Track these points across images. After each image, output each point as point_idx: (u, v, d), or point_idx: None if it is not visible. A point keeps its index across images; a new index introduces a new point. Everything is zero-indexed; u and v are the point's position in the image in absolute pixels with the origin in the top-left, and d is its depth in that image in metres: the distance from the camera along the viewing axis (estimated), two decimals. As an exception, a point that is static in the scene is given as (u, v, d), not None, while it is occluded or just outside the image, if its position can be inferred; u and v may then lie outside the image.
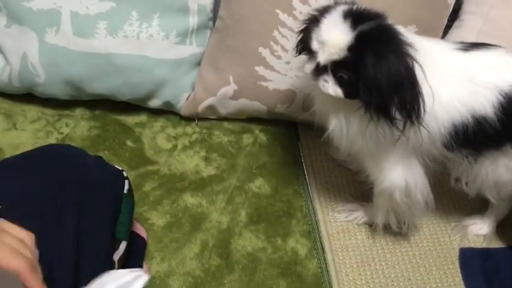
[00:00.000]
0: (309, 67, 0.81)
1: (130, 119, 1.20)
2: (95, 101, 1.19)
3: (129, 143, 1.16)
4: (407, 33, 0.81)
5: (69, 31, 1.07)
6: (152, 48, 1.10)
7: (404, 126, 0.77)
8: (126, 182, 0.84)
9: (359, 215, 1.06)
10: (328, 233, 1.04)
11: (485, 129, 0.82)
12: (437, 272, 1.00)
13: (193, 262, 0.98)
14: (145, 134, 1.18)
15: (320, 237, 1.04)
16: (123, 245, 0.82)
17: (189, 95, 1.18)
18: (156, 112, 1.22)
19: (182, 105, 1.19)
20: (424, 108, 0.77)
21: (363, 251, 1.02)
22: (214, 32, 1.15)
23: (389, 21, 0.80)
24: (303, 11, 1.05)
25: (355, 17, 0.76)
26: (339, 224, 1.06)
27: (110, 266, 0.78)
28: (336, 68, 0.78)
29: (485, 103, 0.81)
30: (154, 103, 1.18)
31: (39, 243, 0.63)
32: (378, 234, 1.04)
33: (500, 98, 0.81)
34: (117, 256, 0.81)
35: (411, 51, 0.76)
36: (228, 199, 1.08)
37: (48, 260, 0.64)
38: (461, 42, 0.88)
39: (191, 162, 1.14)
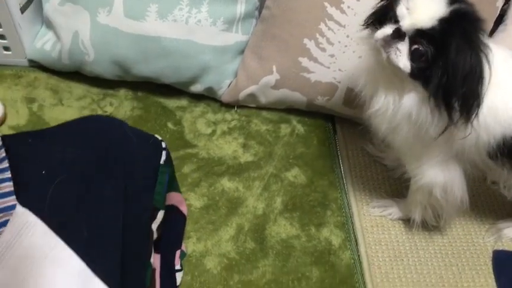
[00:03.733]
0: (383, 33, 0.77)
1: (171, 103, 1.23)
2: (138, 83, 1.22)
3: (169, 125, 1.18)
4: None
5: (120, 12, 1.09)
6: (199, 34, 1.12)
7: (459, 118, 0.76)
8: (164, 152, 0.84)
9: (393, 211, 1.07)
10: (362, 226, 1.05)
11: None
12: (470, 271, 1.00)
13: (229, 244, 1.00)
14: (185, 117, 1.20)
15: (354, 230, 1.05)
16: (160, 214, 0.83)
17: (231, 82, 1.20)
18: (197, 97, 1.24)
19: (223, 91, 1.21)
20: (479, 110, 0.76)
21: (396, 246, 1.03)
22: (260, 21, 1.16)
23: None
24: (351, 5, 1.06)
25: None
26: (373, 218, 1.07)
27: (148, 234, 0.80)
28: (417, 39, 0.75)
29: None
30: (197, 88, 1.20)
31: (82, 206, 0.65)
32: (411, 231, 1.05)
33: None
34: (155, 225, 0.82)
35: (488, 51, 0.75)
36: (265, 186, 1.10)
37: (92, 222, 0.67)
38: None
39: (229, 148, 1.16)
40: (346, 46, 1.09)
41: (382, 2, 0.83)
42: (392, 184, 1.13)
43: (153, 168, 0.81)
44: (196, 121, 1.20)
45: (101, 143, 0.73)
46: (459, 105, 0.75)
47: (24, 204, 0.64)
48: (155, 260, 0.87)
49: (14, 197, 0.64)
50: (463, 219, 1.07)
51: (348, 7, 1.06)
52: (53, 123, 1.14)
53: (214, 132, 1.19)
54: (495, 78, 0.77)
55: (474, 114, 0.76)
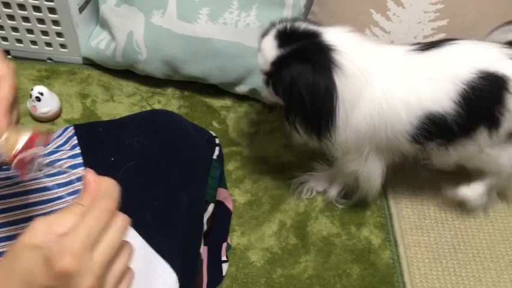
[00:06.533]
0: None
1: (216, 102, 1.28)
2: (185, 83, 1.27)
3: (214, 123, 1.23)
4: (355, 43, 0.85)
5: (174, 14, 1.15)
6: (247, 37, 1.16)
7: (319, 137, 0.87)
8: (217, 148, 0.87)
9: (314, 185, 1.12)
10: (401, 228, 1.07)
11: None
12: (508, 276, 1.01)
13: (272, 239, 1.04)
14: (229, 117, 1.25)
15: (393, 231, 1.07)
16: (211, 207, 0.85)
17: (275, 84, 1.24)
18: (241, 98, 1.28)
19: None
20: (332, 126, 0.84)
21: (435, 248, 1.05)
22: (306, 26, 1.20)
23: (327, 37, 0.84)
24: (397, 13, 1.09)
25: (285, 36, 0.85)
26: (412, 220, 1.09)
27: (201, 226, 0.82)
28: (267, 79, 0.90)
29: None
30: (241, 89, 1.24)
31: (146, 193, 0.69)
32: (450, 234, 1.07)
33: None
34: (205, 217, 0.85)
35: (335, 70, 0.81)
36: (306, 185, 1.13)
37: (155, 208, 0.70)
38: (420, 44, 0.90)
39: (272, 148, 1.20)
40: (390, 52, 1.12)
41: None
42: (431, 186, 1.15)
43: (208, 163, 0.84)
44: (240, 121, 1.25)
45: (166, 135, 0.76)
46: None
47: None
48: (203, 251, 0.91)
49: None
50: (502, 225, 1.09)
51: (394, 14, 1.09)
52: (104, 118, 1.20)
53: (257, 132, 1.23)
54: (389, 75, 0.85)
55: (323, 134, 0.86)
